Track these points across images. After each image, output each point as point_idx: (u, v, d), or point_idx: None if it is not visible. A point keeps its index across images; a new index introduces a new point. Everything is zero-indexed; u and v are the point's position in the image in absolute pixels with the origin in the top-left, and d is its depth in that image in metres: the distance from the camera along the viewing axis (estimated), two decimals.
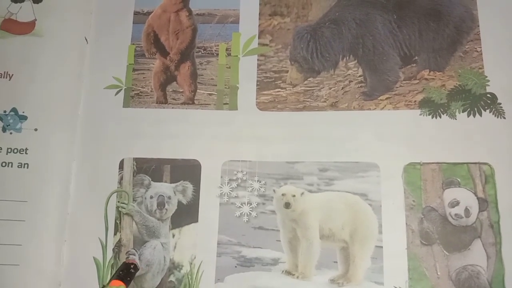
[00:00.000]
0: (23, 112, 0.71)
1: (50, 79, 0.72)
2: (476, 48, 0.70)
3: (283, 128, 0.70)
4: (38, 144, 0.70)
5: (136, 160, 0.70)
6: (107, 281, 0.64)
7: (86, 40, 0.75)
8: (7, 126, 0.70)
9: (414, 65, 0.71)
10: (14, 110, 0.71)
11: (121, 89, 0.74)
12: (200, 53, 0.75)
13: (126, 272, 0.62)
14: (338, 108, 0.70)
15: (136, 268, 0.64)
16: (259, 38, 0.74)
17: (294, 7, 0.75)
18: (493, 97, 0.67)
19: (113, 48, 0.75)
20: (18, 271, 0.66)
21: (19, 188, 0.68)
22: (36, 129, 0.70)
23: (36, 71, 0.72)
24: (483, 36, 0.70)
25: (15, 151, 0.69)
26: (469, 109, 0.67)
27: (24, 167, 0.69)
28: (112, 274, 0.65)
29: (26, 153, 0.69)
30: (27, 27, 0.74)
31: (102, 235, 0.68)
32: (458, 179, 0.65)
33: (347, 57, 0.72)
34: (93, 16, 0.76)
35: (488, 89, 0.68)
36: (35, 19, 0.74)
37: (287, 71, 0.73)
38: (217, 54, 0.74)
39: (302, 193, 0.67)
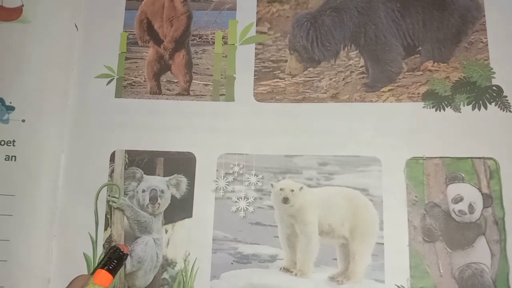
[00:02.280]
0: (10, 103, 0.69)
1: (38, 68, 0.70)
2: (481, 39, 0.68)
3: (281, 120, 0.68)
4: (26, 135, 0.68)
5: (128, 152, 0.68)
6: (94, 268, 0.62)
7: (76, 27, 0.73)
8: None
9: (418, 55, 0.69)
10: (1, 100, 0.68)
11: (113, 78, 0.71)
12: (196, 41, 0.73)
13: (118, 263, 0.59)
14: (338, 99, 0.68)
15: (127, 257, 0.62)
16: (257, 25, 0.72)
17: None
18: (499, 89, 0.66)
19: (105, 36, 0.73)
20: (6, 267, 0.64)
21: (7, 182, 0.66)
22: (23, 120, 0.68)
23: (23, 59, 0.70)
24: (489, 27, 0.68)
25: (2, 143, 0.67)
26: (474, 102, 0.66)
27: (11, 159, 0.67)
28: (101, 260, 0.62)
29: (13, 145, 0.67)
30: (14, 13, 0.71)
31: (92, 230, 0.66)
32: (462, 174, 0.64)
33: (349, 47, 0.70)
34: (84, 2, 0.74)
35: (494, 82, 0.66)
36: (22, 5, 0.72)
37: (286, 61, 0.71)
38: (213, 43, 0.72)
39: (301, 188, 0.66)
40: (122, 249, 0.61)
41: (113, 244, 0.65)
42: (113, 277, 0.58)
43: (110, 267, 0.58)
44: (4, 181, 0.66)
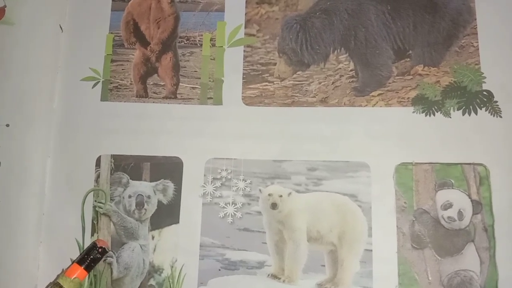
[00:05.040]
0: None
1: (22, 71, 0.68)
2: (472, 43, 0.67)
3: (270, 125, 0.67)
4: (10, 140, 0.67)
5: (114, 157, 0.67)
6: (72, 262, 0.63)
7: (61, 28, 0.71)
8: None
9: (408, 59, 0.68)
10: None
11: (99, 81, 0.70)
12: (183, 43, 0.71)
13: (92, 259, 0.61)
14: (328, 104, 0.67)
15: (104, 252, 0.62)
16: (245, 27, 0.71)
17: None
18: (490, 94, 0.65)
19: (90, 37, 0.72)
20: None
21: None
22: (8, 125, 0.67)
23: (6, 62, 0.68)
24: (480, 31, 0.67)
25: None
26: (464, 107, 0.65)
27: None
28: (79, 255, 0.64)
29: None
30: None
31: (79, 236, 0.66)
32: (452, 180, 0.63)
33: (338, 50, 0.69)
34: (69, 3, 0.73)
35: (484, 86, 0.66)
36: (5, 6, 0.70)
37: (275, 64, 0.70)
38: (201, 45, 0.71)
39: (290, 193, 0.65)
40: (98, 244, 0.62)
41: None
42: (87, 272, 0.61)
43: (85, 263, 0.61)
44: None
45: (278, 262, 0.64)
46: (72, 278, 0.60)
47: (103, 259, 0.64)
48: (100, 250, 0.62)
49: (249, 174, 0.66)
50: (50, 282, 0.63)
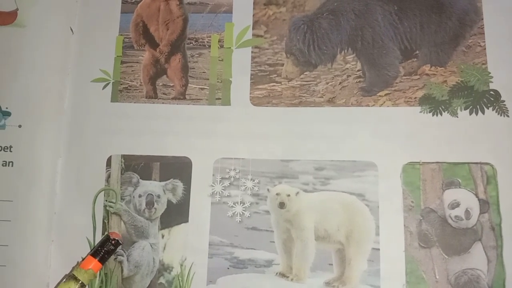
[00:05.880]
0: (7, 108, 0.68)
1: (34, 72, 0.69)
2: (479, 43, 0.67)
3: (278, 125, 0.68)
4: (22, 141, 0.68)
5: (124, 157, 0.68)
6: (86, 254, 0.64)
7: (72, 30, 0.72)
8: None
9: (415, 59, 0.68)
10: None
11: (109, 82, 0.71)
12: (192, 44, 0.72)
13: (106, 251, 0.62)
14: (335, 104, 0.68)
15: (117, 244, 0.63)
16: (253, 29, 0.71)
17: None
18: (497, 94, 0.65)
19: (100, 39, 0.73)
20: (5, 272, 0.65)
21: (4, 187, 0.66)
22: (20, 126, 0.68)
23: (19, 64, 0.69)
24: (487, 30, 0.67)
25: None
26: (471, 107, 0.65)
27: (8, 165, 0.67)
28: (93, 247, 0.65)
29: (10, 151, 0.67)
30: (9, 17, 0.71)
31: (90, 235, 0.66)
32: (459, 180, 0.63)
33: (345, 50, 0.69)
34: (79, 5, 0.73)
35: (492, 86, 0.66)
36: (17, 9, 0.71)
37: (282, 64, 0.70)
38: (209, 46, 0.72)
39: (297, 193, 0.65)
40: (112, 236, 0.63)
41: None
42: (102, 264, 0.62)
43: (99, 255, 0.62)
44: (2, 186, 0.66)
45: (286, 261, 0.64)
46: (87, 269, 0.61)
47: (114, 257, 0.65)
48: (113, 242, 0.63)
49: (257, 173, 0.66)
50: (66, 274, 0.64)
